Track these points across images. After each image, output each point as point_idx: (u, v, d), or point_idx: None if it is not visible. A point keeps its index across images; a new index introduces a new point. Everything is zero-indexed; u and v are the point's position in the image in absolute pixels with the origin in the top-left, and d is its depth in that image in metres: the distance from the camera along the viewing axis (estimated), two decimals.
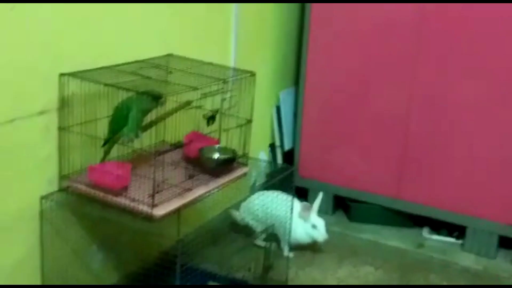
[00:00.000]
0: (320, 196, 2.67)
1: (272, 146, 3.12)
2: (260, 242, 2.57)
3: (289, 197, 2.41)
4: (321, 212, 3.04)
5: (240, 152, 2.12)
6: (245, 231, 2.70)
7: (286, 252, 2.62)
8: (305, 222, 2.60)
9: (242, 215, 2.70)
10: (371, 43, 2.83)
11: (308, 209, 2.61)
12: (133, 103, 1.82)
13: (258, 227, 2.62)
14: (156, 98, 1.81)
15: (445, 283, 2.54)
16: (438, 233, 2.89)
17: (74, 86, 1.83)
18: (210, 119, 1.98)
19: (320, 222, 2.61)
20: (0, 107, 1.69)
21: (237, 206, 2.70)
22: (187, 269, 2.35)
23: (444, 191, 2.79)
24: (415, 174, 2.85)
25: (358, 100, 2.91)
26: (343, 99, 2.94)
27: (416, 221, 2.96)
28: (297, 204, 2.61)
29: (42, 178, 1.86)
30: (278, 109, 3.11)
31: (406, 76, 2.77)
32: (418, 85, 2.75)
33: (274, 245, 2.49)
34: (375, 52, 2.82)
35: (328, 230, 2.64)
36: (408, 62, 2.75)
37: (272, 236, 2.59)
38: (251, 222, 2.67)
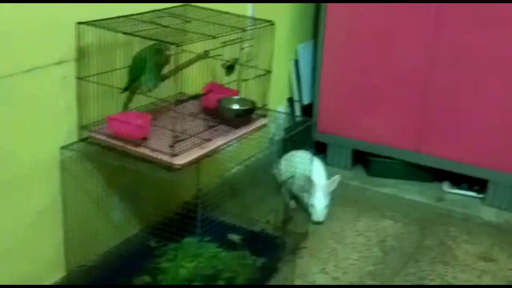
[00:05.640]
0: (338, 179, 2.59)
1: (291, 101, 3.09)
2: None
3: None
4: (340, 167, 3.04)
5: (259, 104, 2.10)
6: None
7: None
8: (309, 197, 2.55)
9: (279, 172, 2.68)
10: None
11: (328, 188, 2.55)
12: (149, 53, 1.81)
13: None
14: (164, 51, 1.79)
15: (465, 236, 2.53)
16: (459, 187, 2.87)
17: (91, 36, 1.81)
18: (229, 68, 1.95)
19: (319, 204, 2.53)
20: (19, 57, 1.68)
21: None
22: (207, 220, 2.37)
23: (465, 144, 2.76)
24: (436, 128, 2.81)
25: (378, 53, 2.86)
26: (362, 52, 2.89)
27: (437, 175, 2.93)
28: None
29: (62, 129, 1.85)
30: (296, 63, 3.07)
31: (428, 28, 2.70)
32: (440, 37, 2.69)
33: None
34: (398, 5, 2.75)
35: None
36: (431, 15, 2.68)
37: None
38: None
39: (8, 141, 1.70)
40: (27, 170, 1.78)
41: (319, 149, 3.07)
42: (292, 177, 2.58)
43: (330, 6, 2.88)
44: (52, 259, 1.94)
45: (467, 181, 2.84)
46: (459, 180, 2.86)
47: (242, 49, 1.92)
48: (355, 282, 2.22)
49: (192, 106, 2.07)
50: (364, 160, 3.07)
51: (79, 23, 1.77)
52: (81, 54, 1.83)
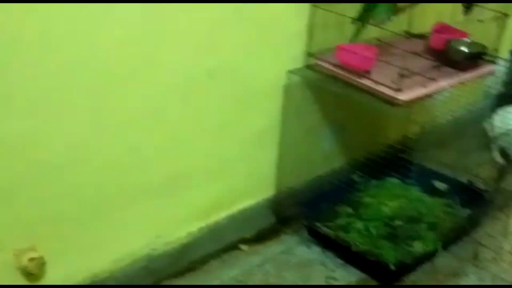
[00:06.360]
0: None
1: None
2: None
3: None
4: None
5: (490, 49, 1.99)
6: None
7: None
8: None
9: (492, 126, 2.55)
10: None
11: None
12: None
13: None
14: None
15: None
16: None
17: None
18: (468, 7, 1.86)
19: None
20: None
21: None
22: (413, 164, 2.34)
23: None
24: None
25: None
26: None
27: None
28: None
29: (290, 53, 1.92)
30: None
31: None
32: None
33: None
34: None
35: None
36: None
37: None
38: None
39: (243, 60, 1.80)
40: (256, 90, 1.88)
41: None
42: (506, 133, 2.44)
43: None
44: (265, 177, 2.06)
45: None
46: None
47: None
48: None
49: (418, 45, 2.02)
50: None
51: None
52: None
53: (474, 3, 1.85)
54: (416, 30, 2.09)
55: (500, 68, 2.37)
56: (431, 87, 1.84)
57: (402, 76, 1.77)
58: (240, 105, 1.86)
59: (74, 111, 1.47)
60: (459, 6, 1.96)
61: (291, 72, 1.91)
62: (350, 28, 1.92)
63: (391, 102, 1.75)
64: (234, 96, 1.83)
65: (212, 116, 1.80)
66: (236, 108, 1.85)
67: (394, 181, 2.28)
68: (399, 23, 1.96)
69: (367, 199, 2.16)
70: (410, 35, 1.88)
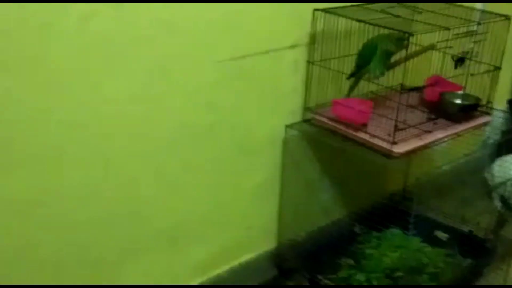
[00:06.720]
0: None
1: (510, 102, 2.91)
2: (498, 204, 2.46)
3: None
4: None
5: (483, 101, 2.03)
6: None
7: None
8: None
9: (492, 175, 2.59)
10: None
11: None
12: (380, 41, 1.84)
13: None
14: (400, 40, 1.81)
15: None
16: None
17: (324, 23, 1.89)
18: (459, 61, 1.91)
19: None
20: (258, 40, 1.82)
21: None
22: (414, 214, 2.35)
23: None
24: None
25: None
26: None
27: None
28: None
29: (287, 109, 1.97)
30: None
31: None
32: None
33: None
34: None
35: None
36: None
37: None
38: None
39: (242, 115, 1.86)
40: (254, 144, 1.92)
41: None
42: (506, 182, 2.46)
43: None
44: (266, 230, 2.08)
45: None
46: None
47: (474, 42, 1.87)
48: None
49: (412, 98, 2.06)
50: None
51: (316, 9, 1.86)
52: (313, 40, 1.92)
53: (464, 59, 1.91)
54: (411, 83, 2.13)
55: (497, 118, 2.42)
56: (427, 139, 1.88)
57: (397, 129, 1.82)
58: (239, 159, 1.90)
59: (72, 168, 1.51)
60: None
61: (289, 126, 1.96)
62: (346, 83, 1.97)
63: (387, 154, 1.79)
64: (234, 150, 1.87)
65: (212, 170, 1.83)
66: (236, 162, 1.89)
67: (394, 232, 2.28)
68: (393, 76, 2.01)
69: (368, 251, 2.16)
70: (404, 89, 1.92)
